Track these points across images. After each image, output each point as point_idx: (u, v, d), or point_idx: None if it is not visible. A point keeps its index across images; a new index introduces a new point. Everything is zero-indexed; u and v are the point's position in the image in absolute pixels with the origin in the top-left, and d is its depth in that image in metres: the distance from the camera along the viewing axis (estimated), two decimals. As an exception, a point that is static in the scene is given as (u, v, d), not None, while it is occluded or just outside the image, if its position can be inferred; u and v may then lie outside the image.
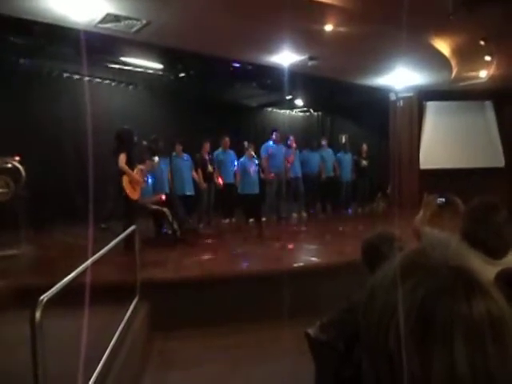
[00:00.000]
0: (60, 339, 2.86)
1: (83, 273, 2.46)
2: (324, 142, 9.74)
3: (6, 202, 5.05)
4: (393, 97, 10.36)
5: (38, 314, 1.69)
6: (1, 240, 4.92)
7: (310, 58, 7.16)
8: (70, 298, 3.15)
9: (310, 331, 1.91)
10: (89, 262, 2.38)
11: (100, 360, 2.65)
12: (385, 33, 5.90)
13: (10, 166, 5.14)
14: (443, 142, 10.20)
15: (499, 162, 10.16)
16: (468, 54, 7.15)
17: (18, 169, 5.07)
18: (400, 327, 0.56)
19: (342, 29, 5.86)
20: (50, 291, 1.80)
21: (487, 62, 7.30)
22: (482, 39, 6.36)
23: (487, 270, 1.66)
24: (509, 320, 0.56)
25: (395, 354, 0.56)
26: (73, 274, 2.09)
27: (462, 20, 5.57)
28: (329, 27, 5.78)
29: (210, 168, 7.73)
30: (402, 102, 10.34)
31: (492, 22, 5.72)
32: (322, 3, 5.10)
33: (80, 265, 2.44)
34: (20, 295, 3.09)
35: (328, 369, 1.79)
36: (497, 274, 1.41)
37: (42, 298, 1.72)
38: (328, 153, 9.62)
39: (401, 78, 8.72)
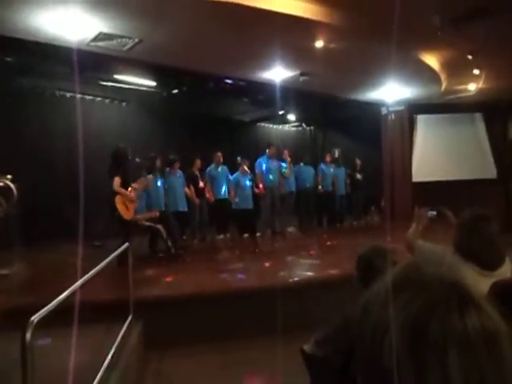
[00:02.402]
0: (52, 360, 2.82)
1: (76, 292, 2.43)
2: (328, 158, 9.82)
3: (-3, 221, 5.00)
4: (384, 111, 10.47)
5: (28, 335, 1.66)
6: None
7: (302, 74, 7.24)
8: (63, 317, 3.11)
9: (306, 347, 1.89)
10: (81, 281, 2.35)
11: (93, 382, 2.60)
12: (375, 48, 5.99)
13: (1, 184, 5.10)
14: (435, 154, 10.29)
15: (491, 173, 10.24)
16: (457, 68, 7.27)
17: (9, 187, 5.03)
18: (394, 343, 0.56)
19: (332, 45, 5.94)
20: (41, 311, 1.77)
21: (476, 75, 7.42)
22: (470, 53, 6.47)
23: (481, 281, 1.65)
24: (503, 334, 0.56)
25: (389, 369, 0.55)
26: (64, 294, 2.06)
27: (450, 35, 5.68)
28: (319, 44, 5.85)
29: (201, 184, 7.73)
30: (393, 116, 10.45)
31: (479, 37, 5.83)
32: (312, 20, 5.18)
33: (72, 284, 2.41)
34: (11, 316, 3.04)
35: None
36: (491, 287, 1.41)
37: (32, 318, 1.69)
38: (328, 168, 9.67)
39: (391, 92, 8.83)
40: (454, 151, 10.19)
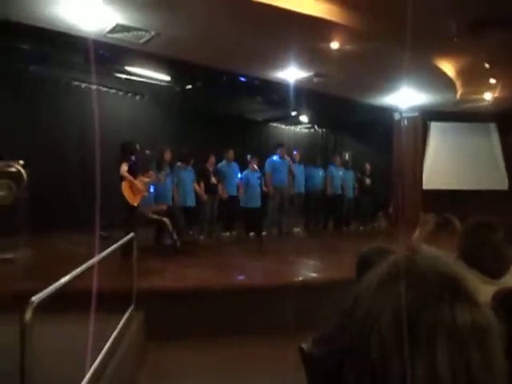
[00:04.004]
0: (51, 345, 2.85)
1: (78, 278, 2.45)
2: (337, 159, 9.81)
3: (7, 205, 5.06)
4: (397, 116, 10.40)
5: (28, 316, 1.68)
6: (0, 244, 4.91)
7: (316, 75, 7.22)
8: (64, 304, 3.14)
9: (304, 346, 1.88)
10: (83, 266, 2.37)
11: (90, 368, 2.62)
12: (390, 53, 5.95)
13: (13, 169, 5.16)
14: (447, 162, 10.20)
15: (503, 184, 10.13)
16: (473, 77, 7.21)
17: (20, 172, 5.09)
18: (383, 332, 0.56)
19: (347, 47, 5.92)
20: (42, 293, 1.79)
21: (492, 84, 7.34)
22: (487, 62, 6.40)
23: (485, 289, 1.64)
24: (494, 330, 0.56)
25: (378, 359, 0.55)
26: (66, 278, 2.08)
27: (466, 43, 5.63)
28: (335, 45, 5.83)
29: (213, 180, 7.72)
30: (406, 122, 10.37)
31: (496, 46, 5.77)
32: (328, 21, 5.16)
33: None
34: (11, 299, 3.07)
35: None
36: (494, 294, 1.39)
37: (32, 299, 1.70)
38: (337, 171, 9.64)
39: (406, 97, 8.77)
40: (467, 161, 10.09)
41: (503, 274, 1.86)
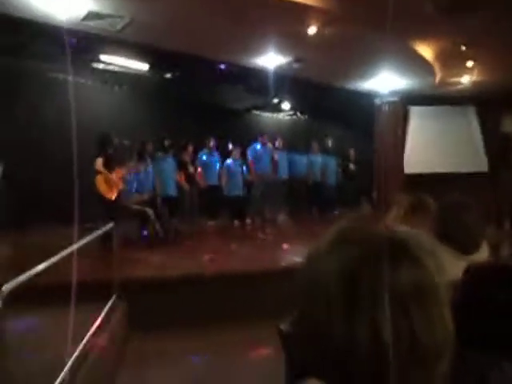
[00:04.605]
0: (30, 336, 2.82)
1: (57, 269, 2.42)
2: (314, 146, 9.80)
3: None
4: (378, 101, 10.43)
5: (-2, 305, 1.65)
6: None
7: (296, 61, 7.18)
8: (44, 295, 3.10)
9: (282, 326, 1.89)
10: (58, 256, 2.33)
11: (70, 358, 2.60)
12: (369, 36, 5.93)
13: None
14: (428, 146, 10.27)
15: (483, 166, 10.26)
16: (450, 60, 7.22)
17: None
18: (328, 296, 0.56)
19: (326, 31, 5.87)
20: (13, 281, 1.76)
21: (470, 67, 7.38)
22: (464, 45, 6.42)
23: (458, 263, 1.66)
24: (436, 289, 0.56)
25: (324, 323, 0.55)
26: (40, 267, 2.04)
27: (443, 25, 5.63)
28: (313, 29, 5.78)
29: (191, 169, 7.71)
30: (387, 107, 10.41)
31: (474, 28, 5.78)
32: (305, 5, 5.11)
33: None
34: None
35: (295, 362, 1.78)
36: (465, 268, 1.41)
37: (2, 288, 1.68)
38: (316, 158, 9.67)
39: (386, 82, 8.79)
40: (447, 144, 10.18)
41: (476, 250, 1.88)
